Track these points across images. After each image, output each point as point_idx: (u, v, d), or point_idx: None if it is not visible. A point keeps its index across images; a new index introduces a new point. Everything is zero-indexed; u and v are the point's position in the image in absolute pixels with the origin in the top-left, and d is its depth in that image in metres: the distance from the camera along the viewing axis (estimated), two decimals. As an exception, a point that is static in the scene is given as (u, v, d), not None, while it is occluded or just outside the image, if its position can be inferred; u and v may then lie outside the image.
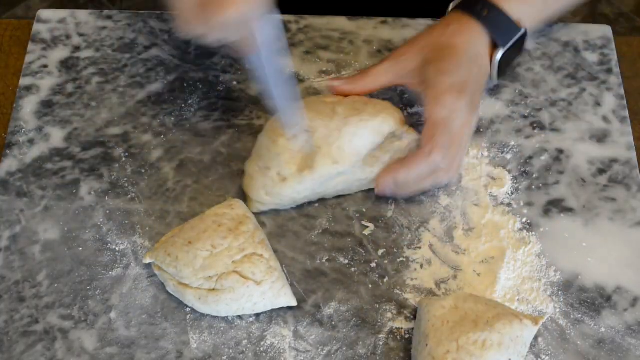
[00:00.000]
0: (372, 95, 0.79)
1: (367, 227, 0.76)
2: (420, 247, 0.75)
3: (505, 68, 0.82)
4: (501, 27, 0.77)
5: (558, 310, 0.71)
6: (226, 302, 0.68)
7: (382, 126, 0.74)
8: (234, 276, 0.68)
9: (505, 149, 0.81)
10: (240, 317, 0.71)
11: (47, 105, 0.83)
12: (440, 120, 0.71)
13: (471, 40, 0.76)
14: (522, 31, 0.78)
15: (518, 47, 0.80)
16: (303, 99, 0.77)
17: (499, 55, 0.78)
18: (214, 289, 0.69)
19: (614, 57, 0.87)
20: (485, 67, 0.78)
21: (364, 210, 0.77)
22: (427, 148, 0.71)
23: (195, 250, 0.69)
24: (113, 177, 0.78)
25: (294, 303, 0.70)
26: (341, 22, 0.90)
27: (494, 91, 0.84)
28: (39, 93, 0.84)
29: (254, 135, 0.81)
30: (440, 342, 0.64)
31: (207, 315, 0.71)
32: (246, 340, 0.70)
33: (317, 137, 0.73)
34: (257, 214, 0.76)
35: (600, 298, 0.72)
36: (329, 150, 0.73)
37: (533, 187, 0.78)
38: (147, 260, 0.72)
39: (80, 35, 0.88)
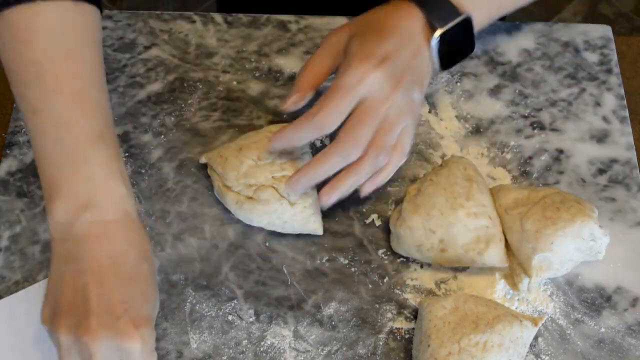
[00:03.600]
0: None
1: (372, 219, 0.76)
2: (420, 247, 0.75)
3: (452, 59, 0.75)
4: (438, 10, 0.71)
5: (558, 310, 0.71)
6: (258, 213, 0.72)
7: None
8: (270, 190, 0.71)
9: (505, 149, 0.81)
10: (240, 317, 0.71)
11: (47, 105, 0.83)
12: (341, 85, 0.65)
13: (405, 20, 0.71)
14: (463, 16, 0.72)
15: (464, 39, 0.74)
16: None
17: (435, 38, 0.71)
18: (251, 197, 0.72)
19: (614, 57, 0.87)
20: (422, 50, 0.71)
21: (364, 210, 0.77)
22: (312, 109, 0.65)
23: (243, 157, 0.73)
24: (113, 177, 0.78)
25: (320, 232, 0.74)
26: (341, 22, 0.89)
27: (493, 91, 0.85)
28: (39, 93, 0.84)
29: (254, 135, 0.81)
30: (442, 343, 0.64)
31: (207, 315, 0.71)
32: (246, 340, 0.70)
33: None
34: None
35: (600, 298, 0.72)
36: None
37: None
38: (203, 160, 0.76)
39: (80, 35, 0.88)
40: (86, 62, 0.64)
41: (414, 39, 0.71)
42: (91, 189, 0.59)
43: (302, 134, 0.68)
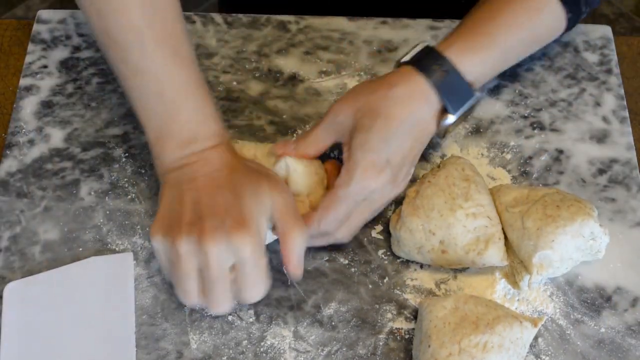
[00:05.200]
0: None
1: (374, 228, 0.76)
2: (420, 248, 0.75)
3: (452, 126, 0.76)
4: (455, 93, 0.71)
5: (558, 310, 0.71)
6: None
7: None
8: None
9: (505, 149, 0.81)
10: (240, 317, 0.71)
11: (47, 106, 0.83)
12: (343, 197, 0.68)
13: (415, 110, 0.71)
14: (476, 97, 0.73)
15: (469, 107, 0.74)
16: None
17: (448, 121, 0.72)
18: None
19: (614, 57, 0.87)
20: (427, 132, 0.72)
21: (364, 210, 0.77)
22: (315, 219, 0.69)
23: None
24: (113, 177, 0.79)
25: None
26: (341, 22, 0.90)
27: (493, 91, 0.85)
28: (39, 93, 0.84)
29: (254, 136, 0.81)
30: (443, 344, 0.64)
31: (207, 315, 0.71)
32: (246, 341, 0.70)
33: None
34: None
35: (600, 298, 0.72)
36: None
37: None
38: None
39: (80, 35, 0.88)
40: (177, 22, 0.70)
41: (424, 125, 0.72)
42: (192, 129, 0.68)
43: (307, 241, 0.70)
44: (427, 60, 0.72)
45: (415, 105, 0.71)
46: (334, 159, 0.76)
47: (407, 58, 0.74)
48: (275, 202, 0.65)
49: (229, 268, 0.63)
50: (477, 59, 0.73)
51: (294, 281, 0.72)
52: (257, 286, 0.65)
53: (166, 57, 0.68)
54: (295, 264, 0.65)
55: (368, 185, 0.69)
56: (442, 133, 0.76)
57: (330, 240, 0.72)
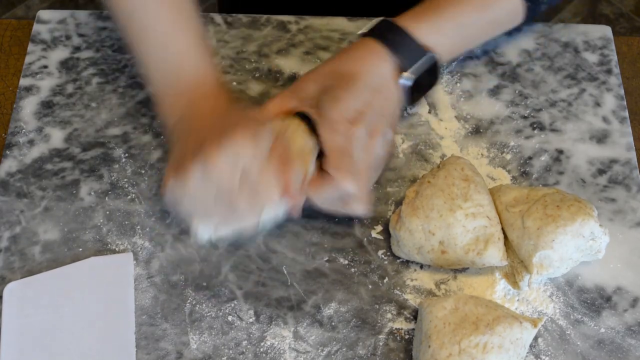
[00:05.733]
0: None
1: (374, 228, 0.76)
2: (420, 248, 0.75)
3: (418, 94, 0.80)
4: (407, 51, 0.75)
5: (558, 310, 0.71)
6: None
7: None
8: None
9: (505, 149, 0.81)
10: (240, 317, 0.71)
11: (47, 106, 0.83)
12: (339, 148, 0.70)
13: (374, 67, 0.74)
14: (430, 56, 0.76)
15: (430, 73, 0.77)
16: None
17: (403, 79, 0.75)
18: None
19: (614, 57, 0.87)
20: (392, 94, 0.75)
21: (364, 210, 0.77)
22: (338, 177, 0.69)
23: None
24: (113, 177, 0.79)
25: None
26: (341, 23, 0.90)
27: (493, 91, 0.85)
28: (39, 93, 0.84)
29: (254, 136, 0.81)
30: (443, 344, 0.64)
31: (207, 315, 0.71)
32: (246, 341, 0.70)
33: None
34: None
35: (600, 298, 0.72)
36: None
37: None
38: None
39: (80, 35, 0.88)
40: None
41: (387, 87, 0.75)
42: (194, 82, 0.73)
43: (329, 199, 0.72)
44: (380, 28, 0.77)
45: (372, 61, 0.75)
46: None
47: (363, 30, 0.79)
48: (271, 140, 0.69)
49: (239, 178, 0.66)
50: (427, 27, 0.77)
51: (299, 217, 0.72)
52: (268, 185, 0.67)
53: (167, 24, 0.74)
54: (293, 195, 0.69)
55: (349, 134, 0.70)
56: (407, 100, 0.77)
57: (346, 210, 0.72)
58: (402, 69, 0.75)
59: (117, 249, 0.74)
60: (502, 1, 0.80)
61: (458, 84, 0.85)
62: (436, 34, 0.77)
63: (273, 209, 0.69)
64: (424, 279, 0.73)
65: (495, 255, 0.70)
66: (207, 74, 0.74)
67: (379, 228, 0.76)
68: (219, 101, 0.73)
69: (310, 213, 0.73)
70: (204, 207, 0.68)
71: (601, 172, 0.79)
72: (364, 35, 0.78)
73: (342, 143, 0.70)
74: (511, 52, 0.87)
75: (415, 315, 0.71)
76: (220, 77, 0.76)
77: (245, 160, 0.65)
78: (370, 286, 0.73)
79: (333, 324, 0.71)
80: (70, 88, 0.84)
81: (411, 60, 0.75)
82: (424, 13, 0.78)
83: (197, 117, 0.71)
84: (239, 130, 0.66)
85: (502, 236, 0.71)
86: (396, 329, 0.71)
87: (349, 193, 0.70)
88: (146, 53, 0.75)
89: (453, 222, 0.70)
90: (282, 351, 0.69)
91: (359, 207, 0.71)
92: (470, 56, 0.86)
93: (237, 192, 0.66)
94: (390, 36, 0.76)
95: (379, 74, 0.74)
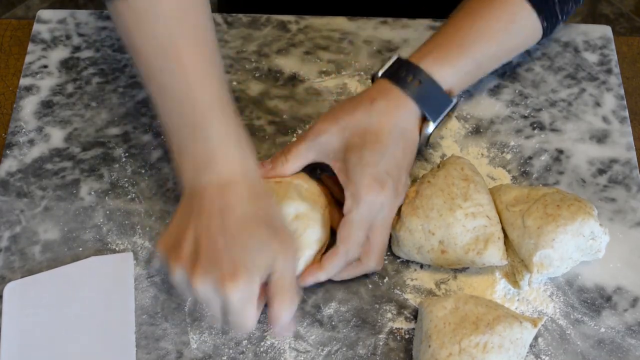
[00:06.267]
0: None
1: None
2: (420, 248, 0.75)
3: (435, 132, 0.77)
4: (432, 101, 0.73)
5: (558, 310, 0.71)
6: None
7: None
8: None
9: (505, 149, 0.81)
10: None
11: (47, 106, 0.83)
12: (357, 220, 0.69)
13: (400, 121, 0.72)
14: (454, 102, 0.75)
15: (448, 113, 0.76)
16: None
17: (429, 129, 0.74)
18: None
19: (614, 57, 0.87)
20: (413, 141, 0.74)
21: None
22: (341, 249, 0.69)
23: None
24: (113, 177, 0.79)
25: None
26: (341, 22, 0.90)
27: (493, 91, 0.85)
28: (39, 93, 0.84)
29: (254, 136, 0.81)
30: (443, 344, 0.64)
31: (207, 315, 0.71)
32: (246, 341, 0.70)
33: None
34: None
35: (600, 298, 0.72)
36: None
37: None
38: None
39: (80, 35, 0.88)
40: (204, 42, 0.69)
41: (409, 134, 0.73)
42: (209, 153, 0.65)
43: (334, 269, 0.70)
44: (402, 72, 0.74)
45: (398, 115, 0.72)
46: (318, 179, 0.76)
47: (381, 72, 0.75)
48: (276, 264, 0.62)
49: (218, 304, 0.62)
50: (450, 69, 0.74)
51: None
52: (241, 327, 0.63)
53: (189, 76, 0.66)
54: (278, 329, 0.64)
55: (376, 200, 0.69)
56: (425, 142, 0.76)
57: (361, 270, 0.71)
58: (427, 119, 0.74)
59: (117, 248, 0.74)
60: (521, 25, 0.77)
61: (458, 84, 0.85)
62: (458, 74, 0.75)
63: None
64: (424, 279, 0.73)
65: (495, 254, 0.70)
66: (228, 151, 0.66)
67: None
68: (236, 197, 0.65)
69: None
70: (207, 308, 0.65)
71: (601, 172, 0.79)
72: (387, 77, 0.74)
73: (364, 214, 0.69)
74: (511, 52, 0.87)
75: (415, 314, 0.71)
76: (245, 154, 0.67)
77: (226, 304, 0.61)
78: (370, 286, 0.73)
79: (333, 323, 0.71)
80: (70, 88, 0.84)
81: (438, 112, 0.74)
82: (446, 52, 0.75)
83: (207, 209, 0.64)
84: (237, 271, 0.61)
85: (502, 235, 0.71)
86: (396, 328, 0.71)
87: (354, 260, 0.71)
88: (166, 110, 0.68)
89: (453, 222, 0.70)
90: (282, 351, 0.69)
91: (367, 268, 0.71)
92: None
93: (209, 310, 0.64)
94: (417, 88, 0.73)
95: (404, 127, 0.73)
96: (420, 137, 0.75)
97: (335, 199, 0.75)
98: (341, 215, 0.70)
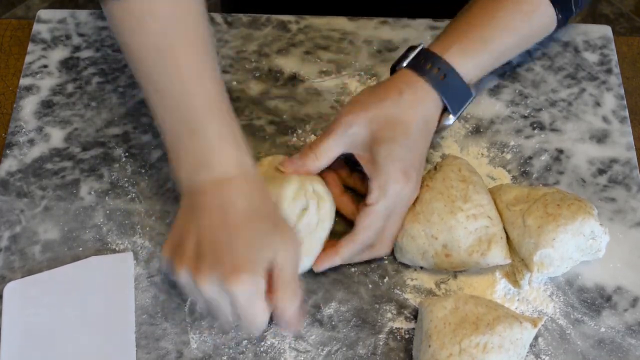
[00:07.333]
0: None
1: None
2: (420, 247, 0.75)
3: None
4: (455, 94, 0.74)
5: (558, 310, 0.71)
6: None
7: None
8: None
9: (505, 149, 0.81)
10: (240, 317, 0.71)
11: (47, 106, 0.83)
12: (382, 210, 0.70)
13: (424, 112, 0.73)
14: (473, 96, 0.75)
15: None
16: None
17: (450, 122, 0.75)
18: None
19: (614, 57, 0.87)
20: (431, 130, 0.74)
21: (364, 210, 0.76)
22: (360, 236, 0.70)
23: None
24: (113, 177, 0.79)
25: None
26: (341, 22, 0.90)
27: (493, 91, 0.85)
28: (39, 93, 0.84)
29: (254, 136, 0.81)
30: (444, 344, 0.64)
31: (207, 315, 0.71)
32: (246, 341, 0.70)
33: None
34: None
35: (600, 298, 0.72)
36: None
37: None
38: None
39: (80, 35, 0.88)
40: (199, 43, 0.69)
41: (430, 125, 0.74)
42: (206, 152, 0.66)
43: (350, 255, 0.71)
44: (427, 64, 0.74)
45: (424, 107, 0.73)
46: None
47: (405, 63, 0.75)
48: (278, 257, 0.62)
49: (225, 303, 0.62)
50: (472, 62, 0.75)
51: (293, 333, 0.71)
52: (252, 324, 0.63)
53: (185, 78, 0.67)
54: (284, 324, 0.64)
55: (401, 192, 0.70)
56: (440, 132, 0.77)
57: (371, 255, 0.72)
58: (449, 111, 0.74)
59: (117, 248, 0.74)
60: (538, 17, 0.78)
61: (458, 84, 0.85)
62: (477, 68, 0.76)
63: None
64: (424, 279, 0.73)
65: (499, 254, 0.70)
66: (225, 150, 0.66)
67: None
68: (236, 193, 0.65)
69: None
70: (215, 310, 0.64)
71: (601, 171, 0.79)
72: (411, 68, 0.74)
73: (388, 206, 0.70)
74: (511, 52, 0.87)
75: (415, 314, 0.71)
76: (243, 153, 0.67)
77: (233, 299, 0.61)
78: (370, 286, 0.73)
79: (333, 323, 0.71)
80: (70, 87, 0.84)
81: (460, 104, 0.75)
82: (467, 44, 0.75)
83: (207, 208, 0.64)
84: (241, 264, 0.61)
85: (504, 235, 0.71)
86: (396, 328, 0.71)
87: (367, 246, 0.71)
88: (162, 110, 0.68)
89: (455, 225, 0.70)
90: (282, 350, 0.69)
91: (378, 253, 0.73)
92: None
93: (217, 312, 0.63)
94: (442, 81, 0.73)
95: (427, 119, 0.73)
96: (438, 127, 0.75)
97: (347, 187, 0.76)
98: (353, 203, 0.74)
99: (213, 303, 0.63)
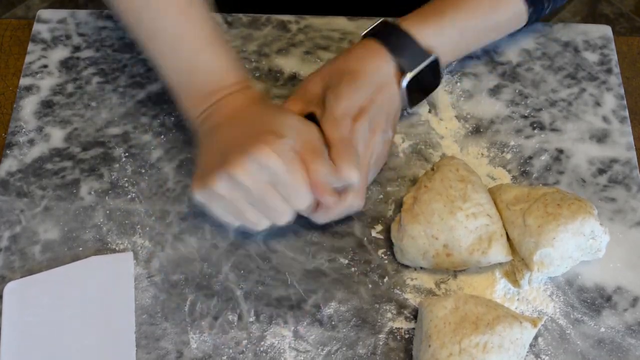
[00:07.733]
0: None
1: (374, 228, 0.76)
2: (420, 247, 0.75)
3: (420, 96, 0.80)
4: (408, 53, 0.76)
5: (558, 310, 0.71)
6: None
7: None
8: None
9: (505, 149, 0.81)
10: (240, 316, 0.71)
11: (47, 105, 0.83)
12: (342, 140, 0.70)
13: (376, 67, 0.75)
14: (432, 58, 0.76)
15: (432, 76, 0.78)
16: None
17: (405, 81, 0.76)
18: None
19: (614, 57, 0.87)
20: (394, 94, 0.76)
21: (364, 210, 0.76)
22: (343, 166, 0.69)
23: None
24: (113, 177, 0.79)
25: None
26: (341, 22, 0.90)
27: (493, 91, 0.85)
28: (39, 93, 0.84)
29: (254, 135, 0.81)
30: (444, 344, 0.64)
31: (207, 315, 0.71)
32: (246, 340, 0.70)
33: None
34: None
35: (600, 298, 0.72)
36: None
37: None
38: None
39: (80, 35, 0.88)
40: None
41: (388, 87, 0.76)
42: (213, 81, 0.72)
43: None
44: (383, 30, 0.78)
45: (375, 62, 0.75)
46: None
47: (366, 31, 0.79)
48: (299, 133, 0.67)
49: (268, 183, 0.65)
50: (429, 30, 0.77)
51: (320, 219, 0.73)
52: (299, 192, 0.66)
53: (174, 17, 0.72)
54: (320, 190, 0.67)
55: (350, 128, 0.71)
56: (405, 100, 0.78)
57: (348, 208, 0.72)
58: (404, 71, 0.76)
59: (117, 248, 0.74)
60: (507, 5, 0.81)
61: (458, 84, 0.85)
62: (439, 37, 0.77)
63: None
64: (424, 279, 0.73)
65: (499, 252, 0.70)
66: (228, 74, 0.73)
67: (379, 227, 0.76)
68: (245, 97, 0.72)
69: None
70: (237, 212, 0.68)
71: (601, 171, 0.79)
72: (366, 36, 0.78)
73: (345, 136, 0.71)
74: (511, 52, 0.87)
75: (415, 314, 0.71)
76: (243, 74, 0.74)
77: (271, 172, 0.64)
78: (370, 285, 0.73)
79: (333, 323, 0.71)
80: (70, 87, 0.84)
81: (413, 63, 0.76)
82: (426, 16, 0.78)
83: (221, 118, 0.70)
84: (265, 137, 0.65)
85: (504, 232, 0.71)
86: (396, 328, 0.71)
87: (350, 184, 0.70)
88: (159, 53, 0.74)
89: (455, 224, 0.70)
90: (282, 350, 0.69)
91: (357, 201, 0.72)
92: (470, 56, 0.86)
93: (266, 198, 0.66)
94: (393, 39, 0.76)
95: (381, 73, 0.75)
96: (399, 90, 0.76)
97: None
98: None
99: (255, 193, 0.65)
